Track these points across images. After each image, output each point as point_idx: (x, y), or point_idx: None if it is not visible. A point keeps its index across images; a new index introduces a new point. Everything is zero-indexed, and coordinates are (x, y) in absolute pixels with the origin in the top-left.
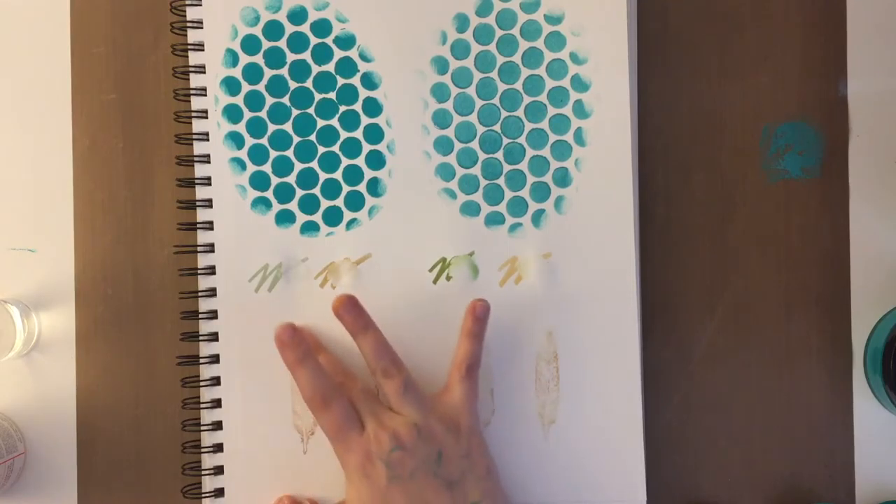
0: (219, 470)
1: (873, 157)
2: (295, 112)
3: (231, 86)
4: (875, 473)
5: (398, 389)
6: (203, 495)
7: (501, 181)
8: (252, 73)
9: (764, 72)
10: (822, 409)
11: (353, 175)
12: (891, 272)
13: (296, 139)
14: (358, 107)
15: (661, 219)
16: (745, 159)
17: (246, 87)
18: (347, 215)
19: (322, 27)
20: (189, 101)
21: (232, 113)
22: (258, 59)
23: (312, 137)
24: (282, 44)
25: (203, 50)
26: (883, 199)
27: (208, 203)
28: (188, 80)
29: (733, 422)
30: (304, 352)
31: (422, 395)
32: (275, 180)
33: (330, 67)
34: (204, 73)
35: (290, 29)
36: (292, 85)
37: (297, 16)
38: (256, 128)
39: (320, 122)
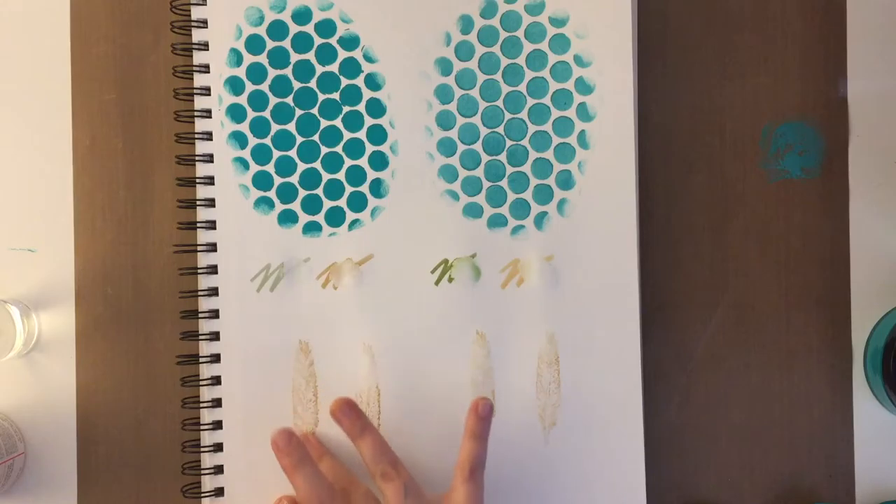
0: (218, 469)
1: (873, 157)
2: (298, 112)
3: (235, 85)
4: (875, 473)
5: (399, 493)
6: (203, 494)
7: (504, 183)
8: (256, 73)
9: (764, 72)
10: (822, 409)
11: (356, 176)
12: (891, 272)
13: (299, 139)
14: (361, 107)
15: (661, 219)
16: (745, 159)
17: (250, 87)
18: (350, 216)
19: (326, 27)
20: (189, 101)
21: (235, 112)
22: (262, 58)
23: (316, 138)
24: (286, 44)
25: (207, 49)
26: (883, 199)
27: (210, 202)
28: (189, 79)
29: (733, 422)
30: (299, 458)
31: (423, 499)
32: (277, 180)
33: (334, 68)
34: (208, 72)
35: (294, 29)
36: (296, 85)
37: (302, 16)
38: (260, 127)
39: (324, 123)
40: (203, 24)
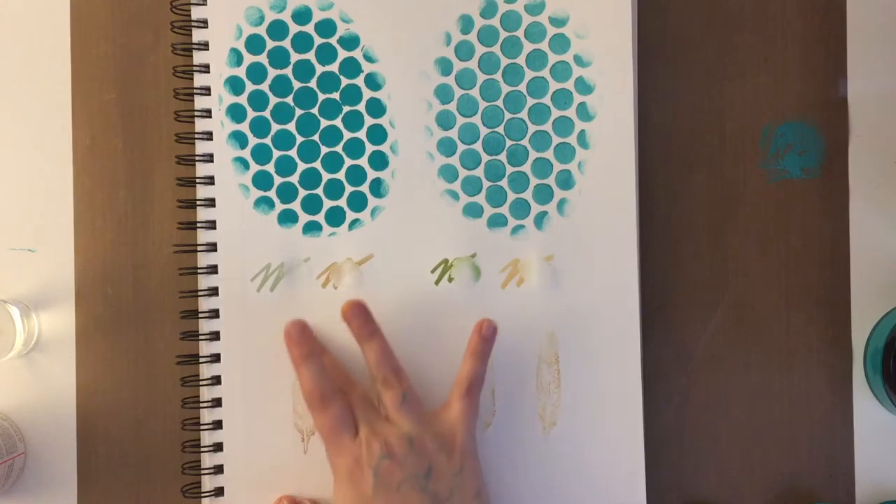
0: (218, 469)
1: (873, 157)
2: (298, 112)
3: (235, 85)
4: (875, 473)
5: (397, 400)
6: (203, 494)
7: (504, 183)
8: (256, 73)
9: (764, 72)
10: (822, 409)
11: (356, 175)
12: (891, 272)
13: (299, 139)
14: (361, 107)
15: (661, 219)
16: (745, 159)
17: (250, 87)
18: (350, 216)
19: (326, 27)
20: (189, 101)
21: (236, 112)
22: (262, 58)
23: (316, 137)
24: (286, 44)
25: (207, 49)
26: (883, 199)
27: (210, 202)
28: (189, 79)
29: (733, 422)
30: (310, 350)
31: (420, 409)
32: (278, 180)
33: (334, 68)
34: (208, 72)
35: (294, 29)
36: (296, 85)
37: (302, 16)
38: (260, 127)
39: (324, 123)
40: (203, 24)
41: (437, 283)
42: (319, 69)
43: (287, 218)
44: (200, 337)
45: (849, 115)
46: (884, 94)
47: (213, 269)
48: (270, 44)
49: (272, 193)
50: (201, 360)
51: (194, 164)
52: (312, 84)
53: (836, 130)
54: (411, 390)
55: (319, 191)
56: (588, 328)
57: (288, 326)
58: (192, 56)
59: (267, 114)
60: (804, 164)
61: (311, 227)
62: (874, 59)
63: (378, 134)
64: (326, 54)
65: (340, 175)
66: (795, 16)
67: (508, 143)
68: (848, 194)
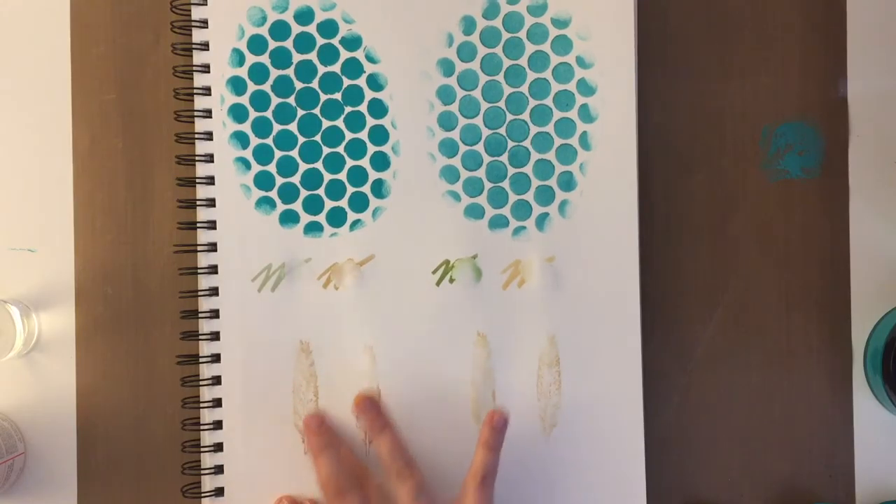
0: (218, 469)
1: (873, 157)
2: (300, 112)
3: (237, 85)
4: (875, 473)
5: (411, 493)
6: (203, 495)
7: (506, 184)
8: (258, 73)
9: (764, 72)
10: (822, 409)
11: (358, 176)
12: (891, 272)
13: (301, 139)
14: (363, 108)
15: (661, 219)
16: (745, 159)
17: (252, 87)
18: (351, 216)
19: (329, 28)
20: (190, 101)
21: (237, 112)
22: (264, 58)
23: (317, 138)
24: (288, 44)
25: (207, 49)
26: (883, 199)
27: (211, 202)
28: (189, 79)
29: (733, 422)
30: (328, 440)
31: (434, 501)
32: (279, 180)
33: (336, 68)
34: (208, 72)
35: (296, 29)
36: (298, 85)
37: (304, 16)
38: (261, 127)
39: (326, 123)
40: (203, 24)
41: (438, 283)
42: (321, 70)
43: (288, 218)
44: (200, 337)
45: (849, 115)
46: (884, 94)
47: (213, 270)
48: (272, 44)
49: (273, 194)
50: (201, 360)
51: (194, 164)
52: (314, 84)
53: (836, 130)
54: (424, 482)
55: (321, 191)
56: (589, 329)
57: (307, 418)
58: (192, 56)
59: (269, 114)
60: (804, 164)
61: (313, 228)
62: (874, 59)
63: (380, 134)
64: (328, 55)
65: (342, 176)
66: (795, 16)
67: (510, 144)
68: (848, 194)
